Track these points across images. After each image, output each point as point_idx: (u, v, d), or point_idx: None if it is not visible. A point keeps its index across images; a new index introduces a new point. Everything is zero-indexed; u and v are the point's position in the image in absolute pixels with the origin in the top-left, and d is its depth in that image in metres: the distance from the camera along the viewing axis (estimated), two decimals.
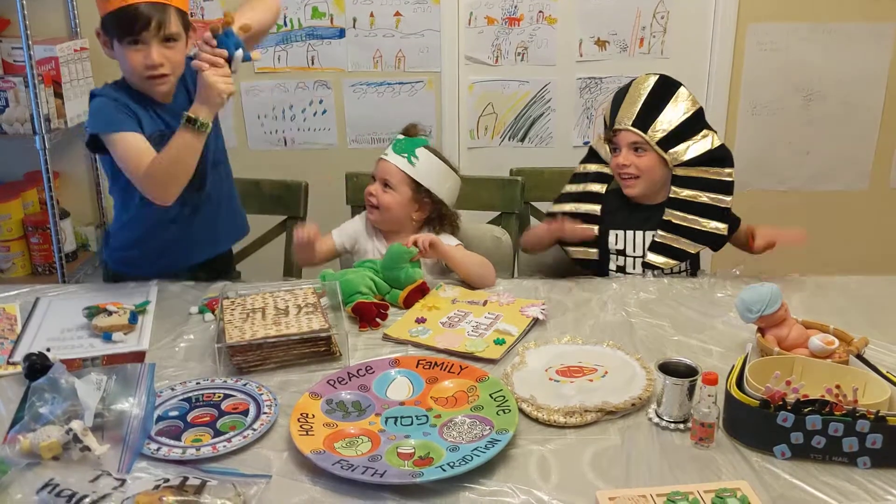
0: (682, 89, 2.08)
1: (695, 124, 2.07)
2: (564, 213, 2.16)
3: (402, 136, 2.19)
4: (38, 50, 2.76)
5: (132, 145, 1.88)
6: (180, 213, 2.05)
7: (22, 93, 2.75)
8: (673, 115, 2.05)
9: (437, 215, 2.19)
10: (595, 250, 2.12)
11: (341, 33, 3.14)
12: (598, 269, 2.14)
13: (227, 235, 2.25)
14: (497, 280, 2.09)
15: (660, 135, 2.05)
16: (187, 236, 2.11)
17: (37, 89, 2.69)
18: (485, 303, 1.92)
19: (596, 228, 2.11)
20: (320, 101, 3.23)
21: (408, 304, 1.93)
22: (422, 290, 1.96)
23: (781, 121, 3.27)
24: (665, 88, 2.08)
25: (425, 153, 2.15)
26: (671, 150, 2.06)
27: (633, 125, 2.05)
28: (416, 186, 2.14)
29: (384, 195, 2.14)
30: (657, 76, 2.10)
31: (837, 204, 3.37)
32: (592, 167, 2.19)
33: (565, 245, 2.17)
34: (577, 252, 2.14)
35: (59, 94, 2.84)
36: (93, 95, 1.99)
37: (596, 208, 2.13)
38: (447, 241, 2.13)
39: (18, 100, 2.76)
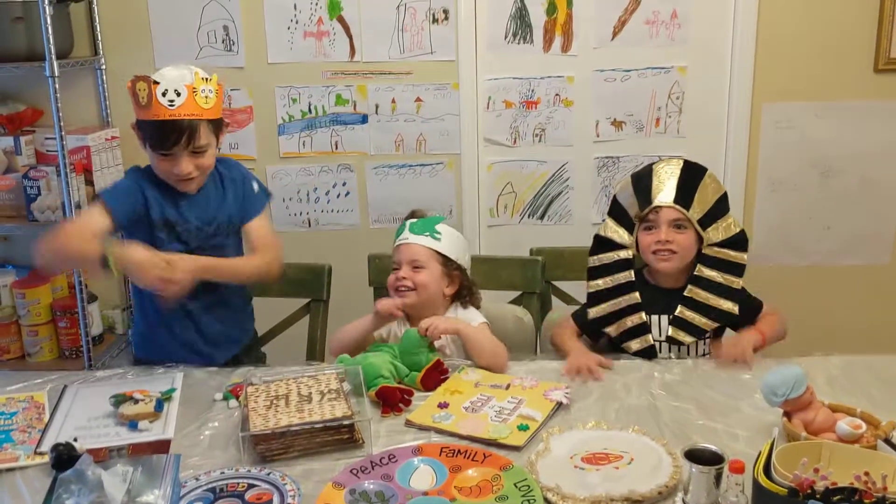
0: (709, 172, 2.14)
1: (722, 207, 2.13)
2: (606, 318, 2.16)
3: (413, 219, 2.20)
4: (71, 140, 2.85)
5: (81, 216, 2.02)
6: (178, 313, 2.12)
7: (54, 181, 2.83)
8: (704, 197, 2.10)
9: (467, 289, 2.20)
10: (649, 335, 2.11)
11: (364, 119, 3.23)
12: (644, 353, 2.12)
13: (232, 341, 2.27)
14: (519, 361, 2.09)
15: (698, 214, 2.09)
16: (190, 336, 2.17)
17: (68, 178, 2.77)
18: (508, 386, 1.92)
19: (644, 314, 2.11)
20: (343, 184, 3.30)
21: (425, 384, 1.93)
22: (439, 370, 1.96)
23: (800, 196, 3.29)
24: (694, 172, 2.12)
25: (445, 227, 2.19)
26: (707, 230, 2.10)
27: (675, 202, 2.08)
28: (445, 261, 2.15)
29: (417, 275, 2.13)
30: (681, 161, 2.15)
31: (860, 279, 3.35)
32: (607, 256, 2.18)
33: (625, 342, 2.13)
34: (634, 345, 2.11)
35: (90, 182, 2.92)
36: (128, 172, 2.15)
37: (636, 297, 2.12)
38: (474, 316, 2.15)
39: (50, 188, 2.84)
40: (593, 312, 2.17)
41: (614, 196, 2.22)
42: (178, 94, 1.94)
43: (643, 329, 2.11)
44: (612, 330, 2.14)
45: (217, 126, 2.06)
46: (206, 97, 1.99)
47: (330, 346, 2.25)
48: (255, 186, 2.21)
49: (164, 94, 1.93)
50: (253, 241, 2.15)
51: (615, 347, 2.17)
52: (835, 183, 3.27)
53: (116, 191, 2.10)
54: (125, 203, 2.04)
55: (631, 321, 2.11)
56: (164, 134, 1.96)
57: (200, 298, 2.10)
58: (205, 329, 2.18)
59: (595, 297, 2.18)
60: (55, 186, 2.83)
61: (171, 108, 1.94)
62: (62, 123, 2.76)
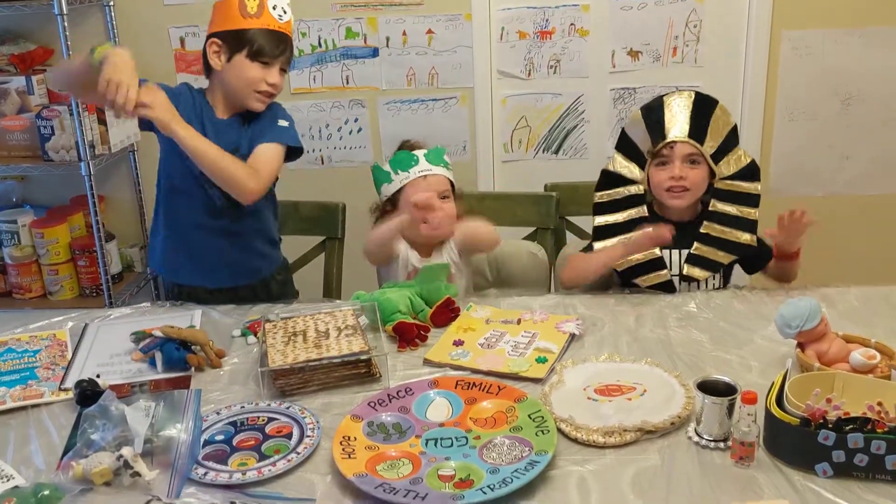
0: (720, 104, 2.10)
1: (733, 139, 2.10)
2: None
3: (423, 150, 2.21)
4: None
5: None
6: (200, 228, 2.15)
7: (67, 121, 2.83)
8: (716, 130, 2.07)
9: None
10: (665, 271, 2.09)
11: (375, 52, 3.18)
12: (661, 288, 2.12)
13: (241, 272, 2.26)
14: (535, 297, 2.10)
15: (711, 149, 2.06)
16: (207, 253, 2.19)
17: (81, 117, 2.77)
18: (518, 321, 1.93)
19: (658, 249, 2.09)
20: (355, 120, 3.27)
21: (436, 320, 1.94)
22: (449, 307, 1.97)
23: (819, 126, 3.24)
24: (706, 104, 2.09)
25: (447, 157, 2.24)
26: (719, 164, 2.08)
27: (689, 137, 2.06)
28: (454, 189, 2.21)
29: (447, 205, 2.17)
30: (692, 93, 2.11)
31: (879, 208, 3.31)
32: (616, 192, 2.16)
33: (637, 277, 2.11)
34: (649, 280, 2.09)
35: (102, 121, 2.92)
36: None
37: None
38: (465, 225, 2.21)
39: (64, 128, 2.84)
40: (599, 246, 2.15)
41: (623, 130, 2.19)
42: (285, 12, 2.08)
43: (658, 264, 2.09)
44: (619, 265, 2.11)
45: None
46: (291, 22, 2.12)
47: (364, 247, 2.22)
48: (285, 122, 2.18)
49: (274, 8, 2.05)
50: (251, 158, 2.08)
51: (625, 283, 2.17)
52: (855, 111, 3.21)
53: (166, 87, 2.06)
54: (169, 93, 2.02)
55: (643, 256, 2.09)
56: (274, 42, 2.05)
57: (220, 219, 2.13)
58: (223, 254, 2.19)
59: (602, 232, 2.15)
60: (69, 126, 2.83)
61: (281, 21, 2.07)
62: None
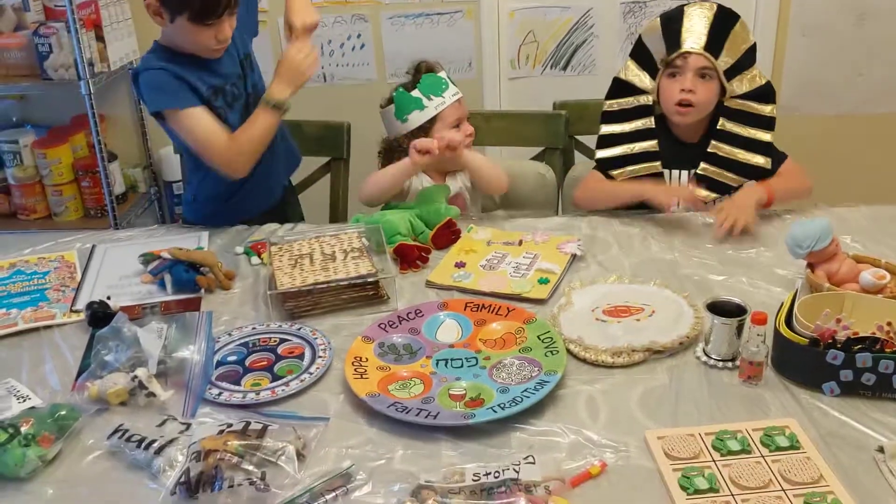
0: (741, 20, 2.03)
1: (750, 58, 2.04)
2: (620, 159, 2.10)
3: (439, 74, 2.13)
4: None
5: (201, 122, 1.92)
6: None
7: (64, 38, 2.77)
8: (734, 46, 2.01)
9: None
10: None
11: None
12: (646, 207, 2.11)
13: (286, 170, 2.29)
14: (542, 218, 2.09)
15: (725, 65, 2.01)
16: (261, 181, 2.13)
17: (79, 34, 2.71)
18: (520, 242, 1.92)
19: (659, 164, 2.06)
20: (358, 36, 3.20)
21: (437, 242, 1.93)
22: (451, 229, 1.96)
23: (833, 42, 3.16)
24: (726, 18, 2.02)
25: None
26: (732, 81, 2.02)
27: (704, 49, 1.99)
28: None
29: (469, 129, 2.15)
30: (714, 5, 2.04)
31: (891, 127, 3.27)
32: (626, 101, 2.11)
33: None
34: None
35: (100, 38, 2.85)
36: (140, 71, 1.97)
37: (654, 144, 2.06)
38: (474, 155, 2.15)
39: (62, 45, 2.78)
40: (601, 154, 2.12)
41: (639, 36, 2.12)
42: None
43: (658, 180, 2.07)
44: (618, 174, 2.08)
45: None
46: None
47: (361, 191, 2.14)
48: None
49: None
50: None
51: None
52: (869, 27, 3.13)
53: (175, 90, 1.92)
54: (189, 90, 1.93)
55: (644, 169, 2.06)
56: (215, 3, 1.82)
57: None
58: (273, 171, 2.16)
59: (607, 140, 2.12)
60: (66, 43, 2.77)
61: None
62: None
